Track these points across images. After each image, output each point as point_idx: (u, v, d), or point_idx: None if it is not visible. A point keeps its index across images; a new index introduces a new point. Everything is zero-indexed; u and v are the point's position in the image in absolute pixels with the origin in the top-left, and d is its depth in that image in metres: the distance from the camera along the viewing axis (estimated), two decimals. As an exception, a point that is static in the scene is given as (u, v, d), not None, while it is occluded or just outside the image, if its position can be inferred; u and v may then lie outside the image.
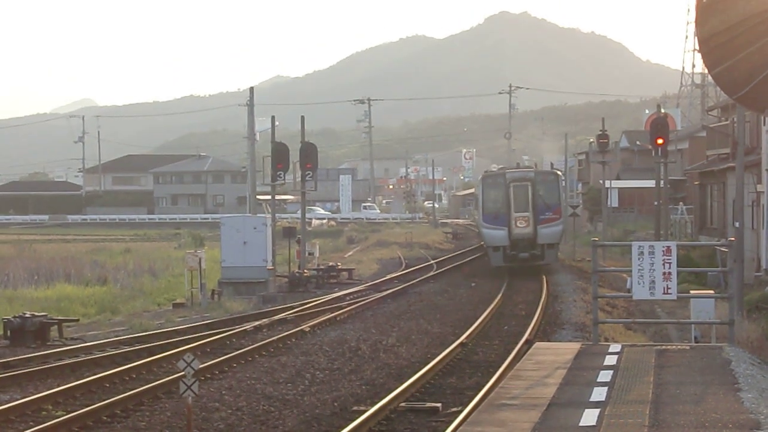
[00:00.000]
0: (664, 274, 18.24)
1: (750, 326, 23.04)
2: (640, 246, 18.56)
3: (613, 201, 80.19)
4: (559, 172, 55.48)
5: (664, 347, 18.99)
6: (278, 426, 17.49)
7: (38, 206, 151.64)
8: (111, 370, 22.79)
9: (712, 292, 27.96)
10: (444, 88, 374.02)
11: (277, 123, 52.28)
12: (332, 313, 33.86)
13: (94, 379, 21.47)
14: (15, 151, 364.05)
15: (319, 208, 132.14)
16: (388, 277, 49.23)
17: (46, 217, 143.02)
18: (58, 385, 21.12)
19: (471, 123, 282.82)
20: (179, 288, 43.73)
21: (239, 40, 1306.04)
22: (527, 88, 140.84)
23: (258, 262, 43.72)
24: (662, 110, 53.12)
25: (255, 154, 74.20)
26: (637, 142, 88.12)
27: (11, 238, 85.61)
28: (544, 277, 44.89)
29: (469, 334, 27.28)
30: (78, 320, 32.41)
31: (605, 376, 15.64)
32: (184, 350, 24.16)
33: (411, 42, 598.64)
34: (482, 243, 57.44)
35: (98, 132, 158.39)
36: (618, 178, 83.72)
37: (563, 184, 58.37)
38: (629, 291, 19.68)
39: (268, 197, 58.46)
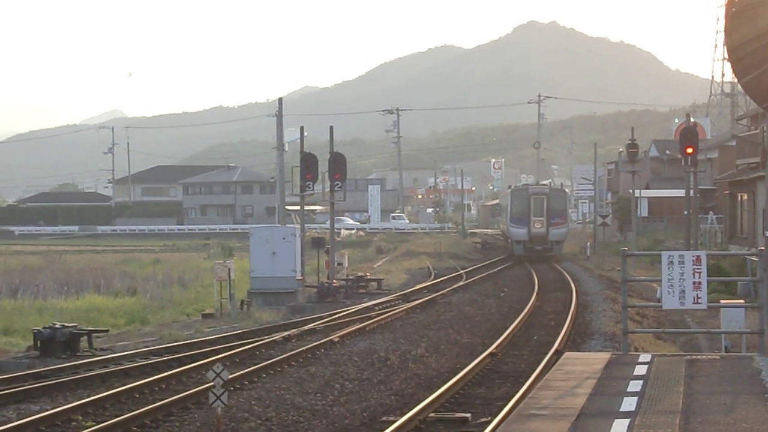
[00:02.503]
0: (694, 283, 18.15)
1: (781, 336, 22.88)
2: (669, 255, 18.47)
3: (643, 210, 80.00)
4: (566, 189, 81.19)
5: (694, 357, 18.90)
6: (307, 436, 17.50)
7: (68, 217, 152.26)
8: (140, 380, 22.83)
9: (742, 301, 27.81)
10: (472, 98, 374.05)
11: (305, 133, 52.28)
12: (361, 323, 33.82)
13: (123, 390, 21.51)
14: (45, 161, 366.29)
15: (348, 219, 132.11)
16: (417, 287, 49.19)
17: (75, 227, 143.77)
18: (88, 396, 21.19)
19: (499, 132, 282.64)
20: (208, 298, 43.84)
21: (268, 51, 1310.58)
22: (556, 98, 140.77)
23: (287, 273, 43.80)
24: (692, 119, 53.00)
25: (284, 165, 74.30)
26: (667, 152, 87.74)
27: (41, 249, 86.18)
28: (573, 286, 44.87)
29: (499, 344, 27.20)
30: (107, 331, 32.53)
31: (635, 386, 15.57)
32: (213, 360, 24.16)
33: (440, 52, 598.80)
34: (508, 240, 75.55)
35: (127, 143, 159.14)
36: (647, 188, 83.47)
37: (569, 198, 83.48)
38: (659, 301, 19.59)
39: (297, 208, 58.60)
